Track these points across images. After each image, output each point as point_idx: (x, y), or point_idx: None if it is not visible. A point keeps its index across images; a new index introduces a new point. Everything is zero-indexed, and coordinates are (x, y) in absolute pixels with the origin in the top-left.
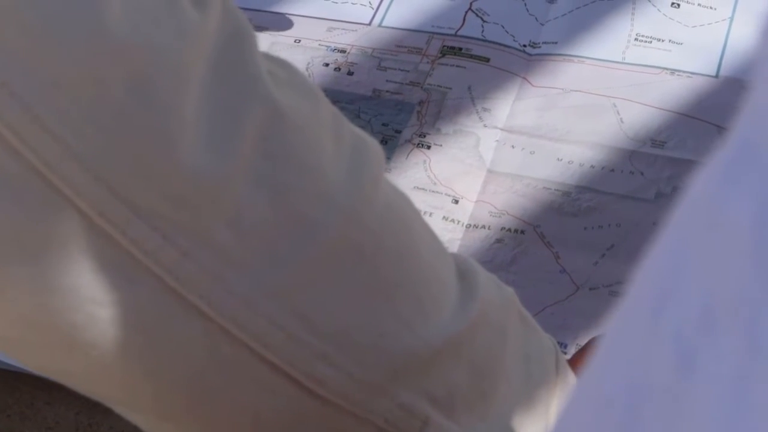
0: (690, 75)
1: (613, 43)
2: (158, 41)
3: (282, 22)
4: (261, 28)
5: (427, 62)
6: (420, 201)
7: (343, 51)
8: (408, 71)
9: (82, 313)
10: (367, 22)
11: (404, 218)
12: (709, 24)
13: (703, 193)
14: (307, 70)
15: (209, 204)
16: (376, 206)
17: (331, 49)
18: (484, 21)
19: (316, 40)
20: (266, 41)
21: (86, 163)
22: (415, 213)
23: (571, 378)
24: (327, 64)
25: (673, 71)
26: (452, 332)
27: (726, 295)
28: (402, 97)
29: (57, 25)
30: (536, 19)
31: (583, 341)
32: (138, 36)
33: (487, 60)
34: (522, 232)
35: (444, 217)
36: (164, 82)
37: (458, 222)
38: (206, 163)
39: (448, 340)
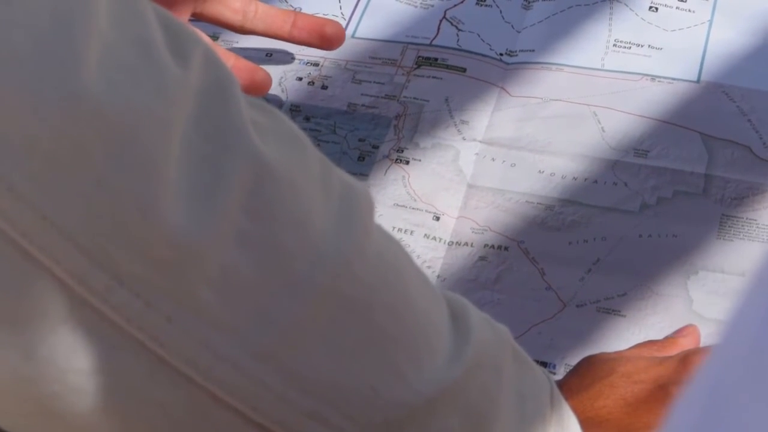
0: (671, 81)
1: (591, 50)
2: (138, 101)
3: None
4: (231, 42)
5: (403, 74)
6: (400, 219)
7: (316, 64)
8: (383, 84)
9: (62, 383)
10: None
11: (396, 265)
12: (688, 27)
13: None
14: (280, 85)
15: (193, 267)
16: (367, 256)
17: (304, 63)
18: (459, 30)
19: (288, 54)
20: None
21: (64, 232)
22: (406, 256)
23: (565, 409)
24: (300, 78)
25: (653, 77)
26: (447, 381)
27: None
28: (378, 110)
29: (31, 88)
30: (512, 26)
31: (572, 361)
32: (117, 97)
33: (464, 70)
34: (506, 248)
35: (425, 235)
36: (145, 143)
37: (440, 240)
38: (189, 225)
39: (442, 389)
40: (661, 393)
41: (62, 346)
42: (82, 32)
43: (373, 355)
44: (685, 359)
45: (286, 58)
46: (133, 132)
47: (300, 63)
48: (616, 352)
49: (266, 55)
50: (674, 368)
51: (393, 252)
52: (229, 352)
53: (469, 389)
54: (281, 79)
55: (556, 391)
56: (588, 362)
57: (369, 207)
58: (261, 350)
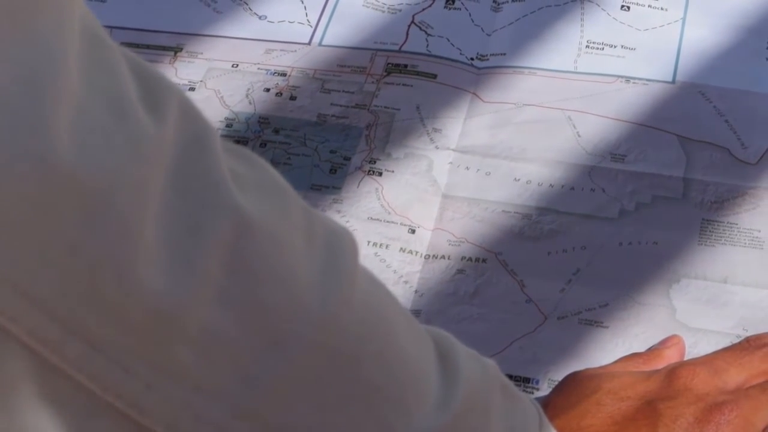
0: (646, 82)
1: (564, 52)
2: (112, 163)
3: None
4: (196, 54)
5: (372, 82)
6: (375, 232)
7: (283, 74)
8: (353, 93)
9: None
10: (307, 41)
11: (383, 310)
12: (661, 26)
13: None
14: (247, 96)
15: (172, 330)
16: (353, 307)
17: (270, 73)
18: (428, 34)
19: (255, 64)
20: (203, 67)
21: (37, 302)
22: (392, 298)
23: None
24: (268, 89)
25: (628, 79)
26: (436, 428)
27: None
28: (348, 121)
29: None
30: (482, 29)
31: (555, 375)
32: (90, 161)
33: (435, 76)
34: (483, 260)
35: (401, 249)
36: (121, 207)
37: (416, 253)
38: (168, 288)
39: None
40: (648, 410)
41: (39, 418)
42: (51, 95)
43: (361, 409)
44: (672, 373)
45: (252, 68)
46: (107, 196)
47: (267, 73)
48: (601, 368)
49: (232, 66)
50: (661, 383)
51: (379, 297)
52: (211, 414)
53: None
54: (248, 91)
55: (545, 419)
56: (573, 379)
57: (354, 253)
58: (244, 411)
